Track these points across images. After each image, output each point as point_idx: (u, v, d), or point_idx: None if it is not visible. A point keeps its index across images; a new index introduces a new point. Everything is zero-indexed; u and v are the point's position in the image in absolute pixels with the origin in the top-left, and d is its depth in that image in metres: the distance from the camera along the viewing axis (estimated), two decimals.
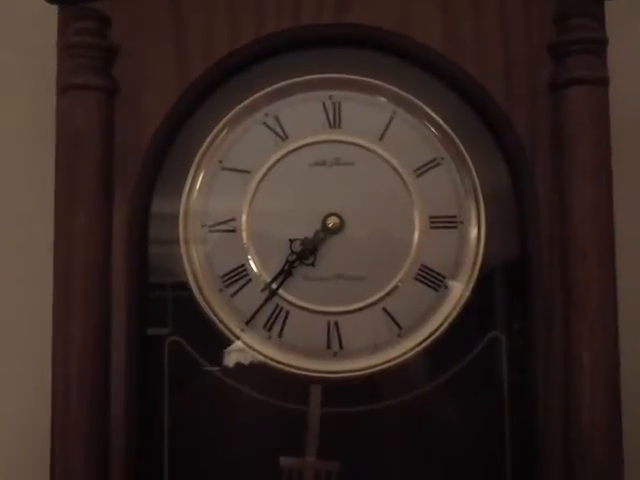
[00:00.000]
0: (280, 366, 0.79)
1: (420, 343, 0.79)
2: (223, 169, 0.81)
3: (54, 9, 0.77)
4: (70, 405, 0.72)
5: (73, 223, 0.73)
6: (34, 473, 0.83)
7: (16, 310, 0.98)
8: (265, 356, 0.79)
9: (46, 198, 0.76)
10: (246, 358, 0.81)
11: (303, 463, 0.80)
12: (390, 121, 0.81)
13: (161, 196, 0.82)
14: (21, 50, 0.97)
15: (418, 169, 0.80)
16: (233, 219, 0.80)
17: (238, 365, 0.81)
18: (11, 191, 0.98)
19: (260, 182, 0.80)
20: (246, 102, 0.80)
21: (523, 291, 0.80)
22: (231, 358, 0.81)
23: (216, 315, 0.79)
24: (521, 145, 0.77)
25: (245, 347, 0.80)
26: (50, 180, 0.76)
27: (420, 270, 0.79)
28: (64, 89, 0.75)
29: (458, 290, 0.79)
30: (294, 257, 0.79)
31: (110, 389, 0.74)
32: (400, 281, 0.79)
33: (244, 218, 0.80)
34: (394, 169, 0.80)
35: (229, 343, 0.80)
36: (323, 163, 0.81)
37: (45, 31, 0.79)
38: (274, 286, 0.79)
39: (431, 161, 0.80)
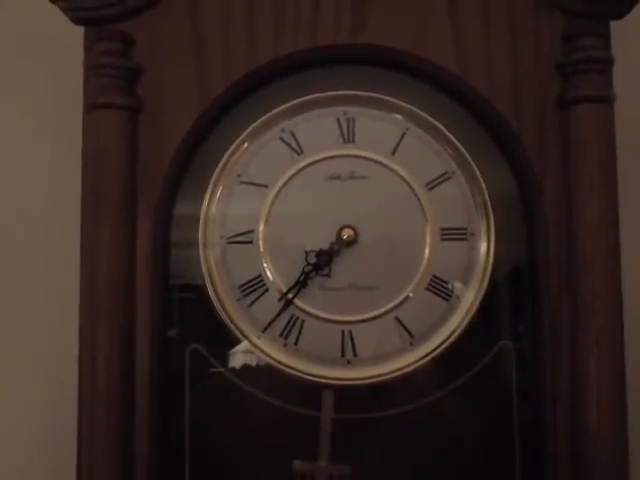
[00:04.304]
0: (295, 373, 0.81)
1: (432, 351, 0.81)
2: (241, 183, 0.83)
3: (81, 29, 0.80)
4: (96, 408, 0.74)
5: (98, 235, 0.76)
6: (61, 475, 0.86)
7: (43, 316, 1.01)
8: (281, 363, 0.81)
9: (73, 212, 0.79)
10: (253, 359, 0.83)
11: (316, 467, 0.81)
12: (402, 136, 0.83)
13: (181, 209, 0.84)
14: (50, 70, 1.00)
15: (429, 183, 0.83)
16: (250, 231, 0.82)
17: (253, 370, 0.84)
18: (39, 205, 1.02)
19: (277, 195, 0.82)
20: (263, 118, 0.83)
21: (532, 300, 0.83)
22: (237, 359, 0.84)
23: (233, 323, 0.82)
24: (529, 160, 0.79)
25: (252, 348, 0.82)
26: (76, 195, 0.79)
27: (431, 281, 0.81)
28: (90, 108, 0.77)
29: (462, 292, 0.81)
30: (310, 268, 0.81)
31: (135, 391, 0.77)
32: (412, 291, 0.81)
33: (261, 230, 0.82)
34: (406, 183, 0.82)
35: None
36: (338, 177, 0.83)
37: (73, 51, 0.81)
38: (290, 296, 0.81)
39: (442, 175, 0.83)
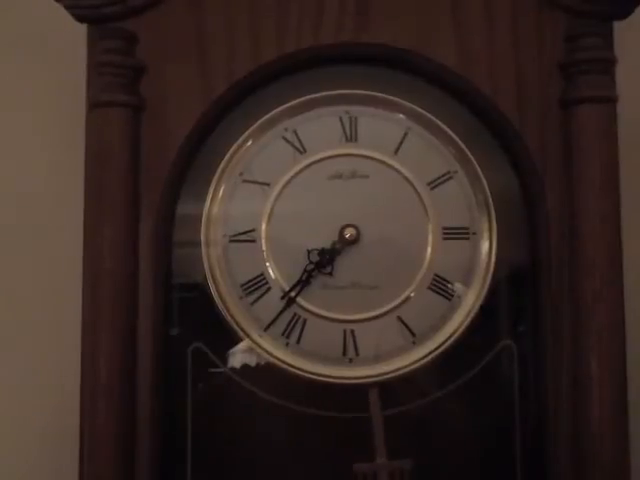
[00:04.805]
0: (297, 371, 0.81)
1: (433, 350, 0.81)
2: (244, 181, 0.83)
3: (84, 27, 0.80)
4: (98, 407, 0.74)
5: (101, 234, 0.76)
6: (62, 475, 0.86)
7: (44, 316, 1.01)
8: (283, 362, 0.81)
9: (75, 211, 0.79)
10: (254, 358, 0.83)
11: (377, 465, 0.81)
12: (405, 136, 0.83)
13: (184, 207, 0.84)
14: (52, 67, 1.00)
15: (432, 182, 0.83)
16: (253, 230, 0.82)
17: (254, 369, 0.84)
18: (40, 205, 1.02)
19: (279, 194, 0.82)
20: (266, 117, 0.83)
21: (533, 300, 0.83)
22: (239, 358, 0.84)
23: (235, 321, 0.81)
24: (532, 159, 0.79)
25: (254, 346, 0.82)
26: (79, 194, 0.79)
27: (433, 280, 0.82)
28: (93, 106, 0.77)
29: (464, 292, 0.81)
30: (312, 267, 0.81)
31: (137, 390, 0.77)
32: (414, 290, 0.82)
33: (264, 229, 0.82)
34: (408, 182, 0.82)
35: None
36: (340, 176, 0.83)
37: (77, 48, 0.81)
38: (292, 295, 0.81)
39: (444, 174, 0.83)
